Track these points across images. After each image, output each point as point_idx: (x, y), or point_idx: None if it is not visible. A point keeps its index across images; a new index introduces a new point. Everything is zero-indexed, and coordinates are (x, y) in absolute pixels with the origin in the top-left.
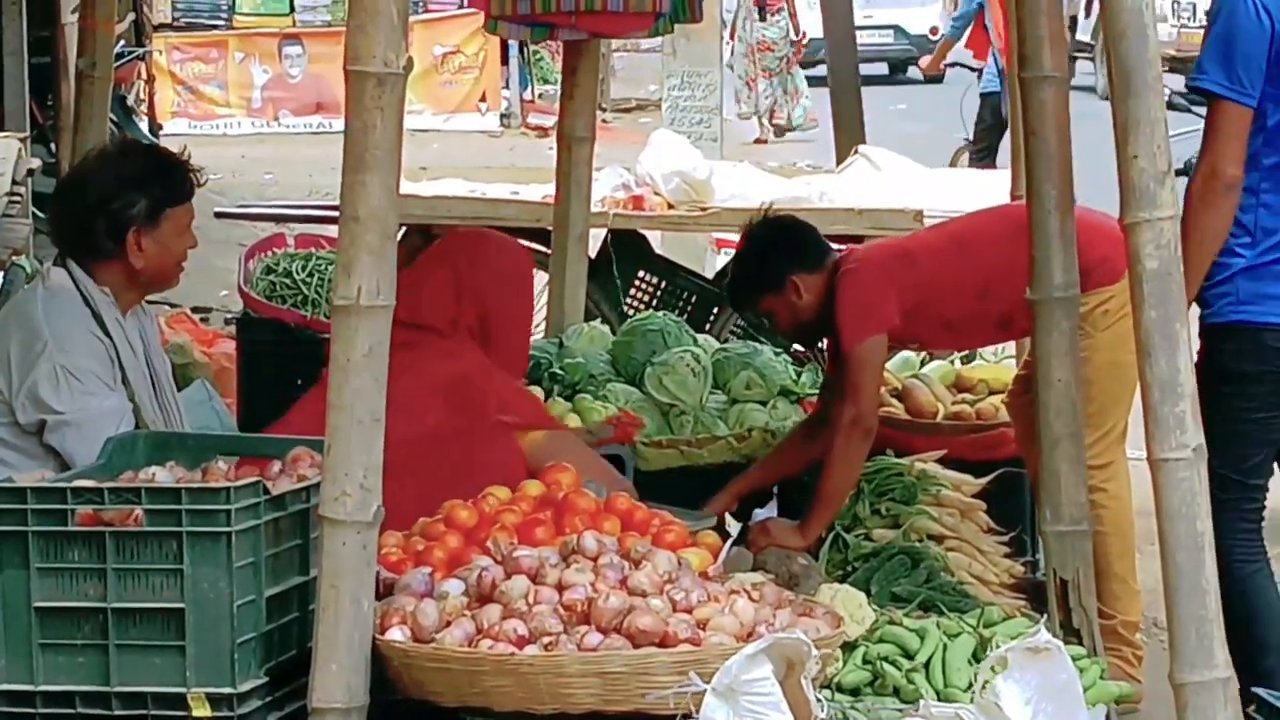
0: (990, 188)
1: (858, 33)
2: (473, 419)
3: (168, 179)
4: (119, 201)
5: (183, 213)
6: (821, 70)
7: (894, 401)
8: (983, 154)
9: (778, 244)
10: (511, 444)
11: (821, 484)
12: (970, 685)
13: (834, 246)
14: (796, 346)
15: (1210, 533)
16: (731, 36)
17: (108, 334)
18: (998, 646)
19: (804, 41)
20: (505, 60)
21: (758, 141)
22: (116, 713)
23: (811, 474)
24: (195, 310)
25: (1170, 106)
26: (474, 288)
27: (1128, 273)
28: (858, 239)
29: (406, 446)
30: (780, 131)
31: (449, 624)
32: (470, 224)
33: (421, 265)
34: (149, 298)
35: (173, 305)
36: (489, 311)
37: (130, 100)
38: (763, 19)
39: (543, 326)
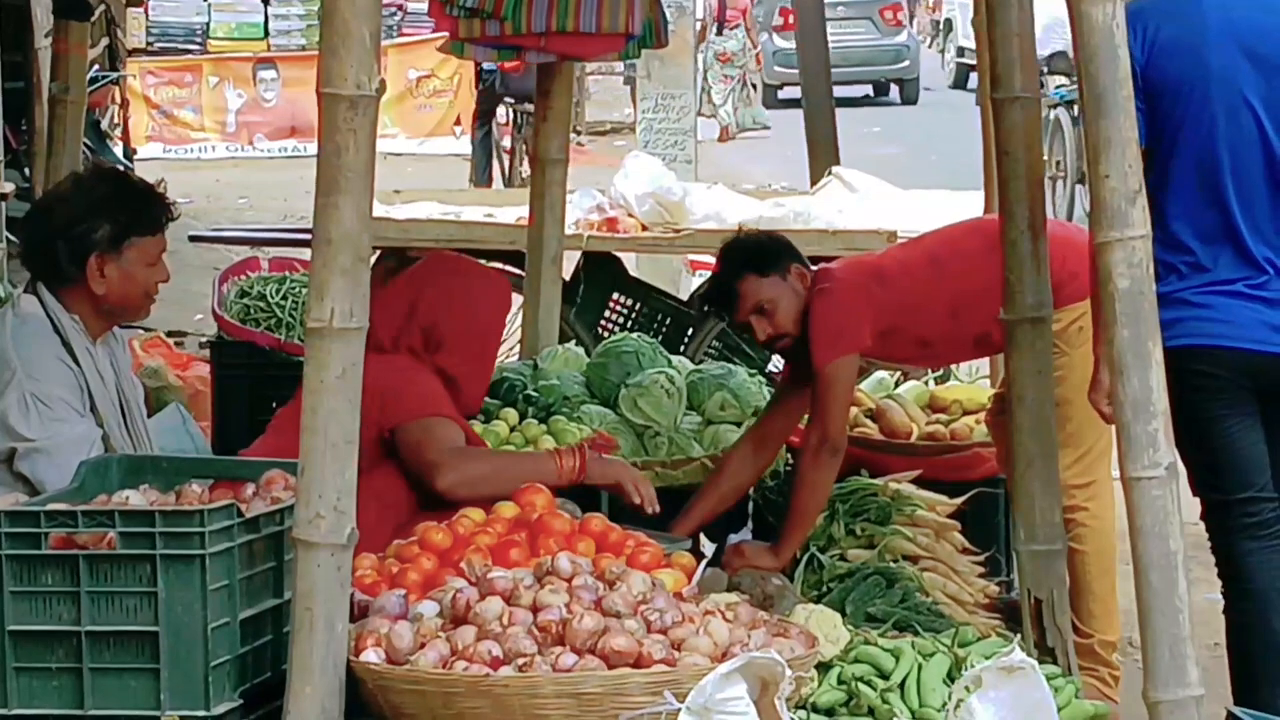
0: (964, 208)
1: None
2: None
3: (136, 208)
4: (82, 226)
5: (150, 244)
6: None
7: (868, 422)
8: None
9: (772, 239)
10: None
11: (792, 505)
12: (945, 705)
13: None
14: (772, 367)
15: (1182, 551)
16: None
17: (77, 361)
18: (973, 666)
19: (759, 53)
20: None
21: (720, 140)
22: None
23: (785, 495)
24: (170, 334)
25: None
26: (428, 306)
27: (1100, 292)
28: (831, 260)
29: None
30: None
31: (423, 646)
32: (444, 246)
33: (391, 284)
34: (126, 325)
35: (147, 329)
36: (437, 328)
37: (104, 125)
38: (720, 33)
39: (517, 349)
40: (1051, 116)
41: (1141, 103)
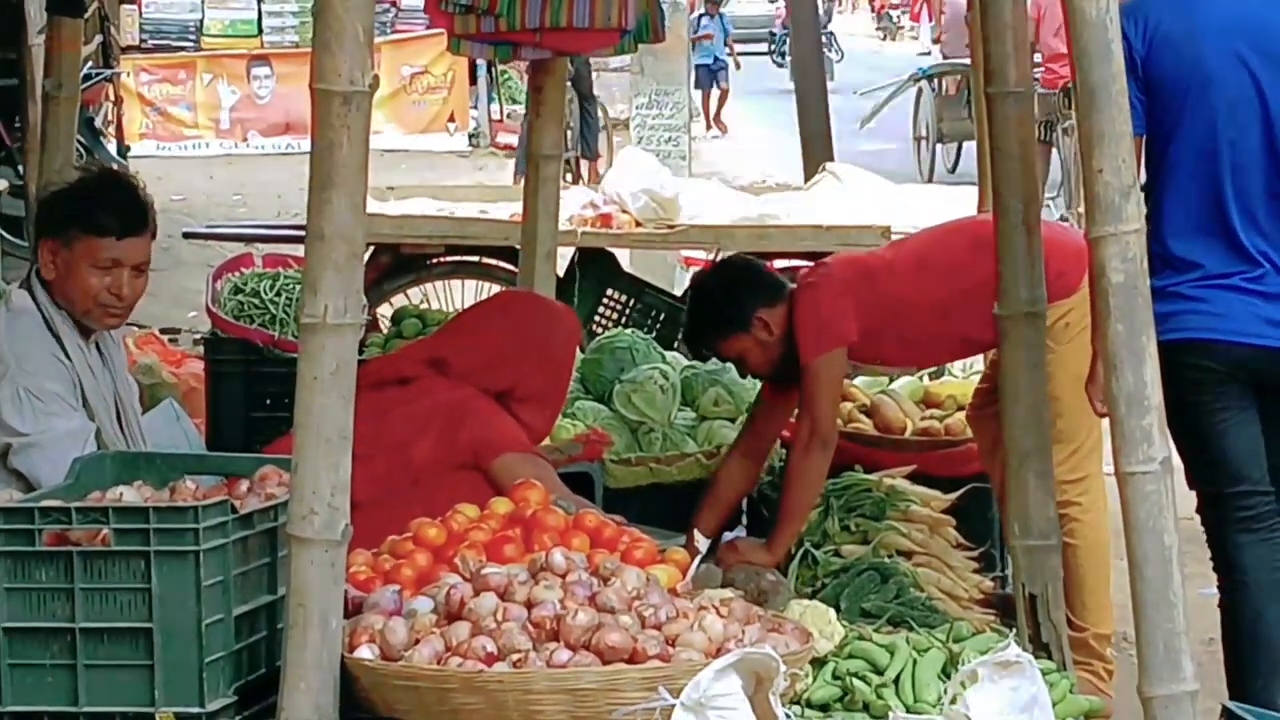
0: (958, 204)
1: None
2: (449, 450)
3: (92, 203)
4: (45, 207)
5: (98, 246)
6: None
7: (862, 417)
8: None
9: (735, 285)
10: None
11: (784, 500)
12: (939, 700)
13: (800, 264)
14: None
15: (1177, 545)
16: None
17: (69, 356)
18: (967, 661)
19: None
20: (474, 80)
21: None
22: None
23: (779, 490)
24: (164, 331)
25: None
26: (515, 364)
27: (1094, 286)
28: (825, 256)
29: (390, 480)
30: None
31: (418, 642)
32: (438, 242)
33: (470, 316)
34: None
35: (141, 326)
36: (523, 378)
37: (98, 122)
38: None
39: None
40: (915, 88)
41: (1140, 94)
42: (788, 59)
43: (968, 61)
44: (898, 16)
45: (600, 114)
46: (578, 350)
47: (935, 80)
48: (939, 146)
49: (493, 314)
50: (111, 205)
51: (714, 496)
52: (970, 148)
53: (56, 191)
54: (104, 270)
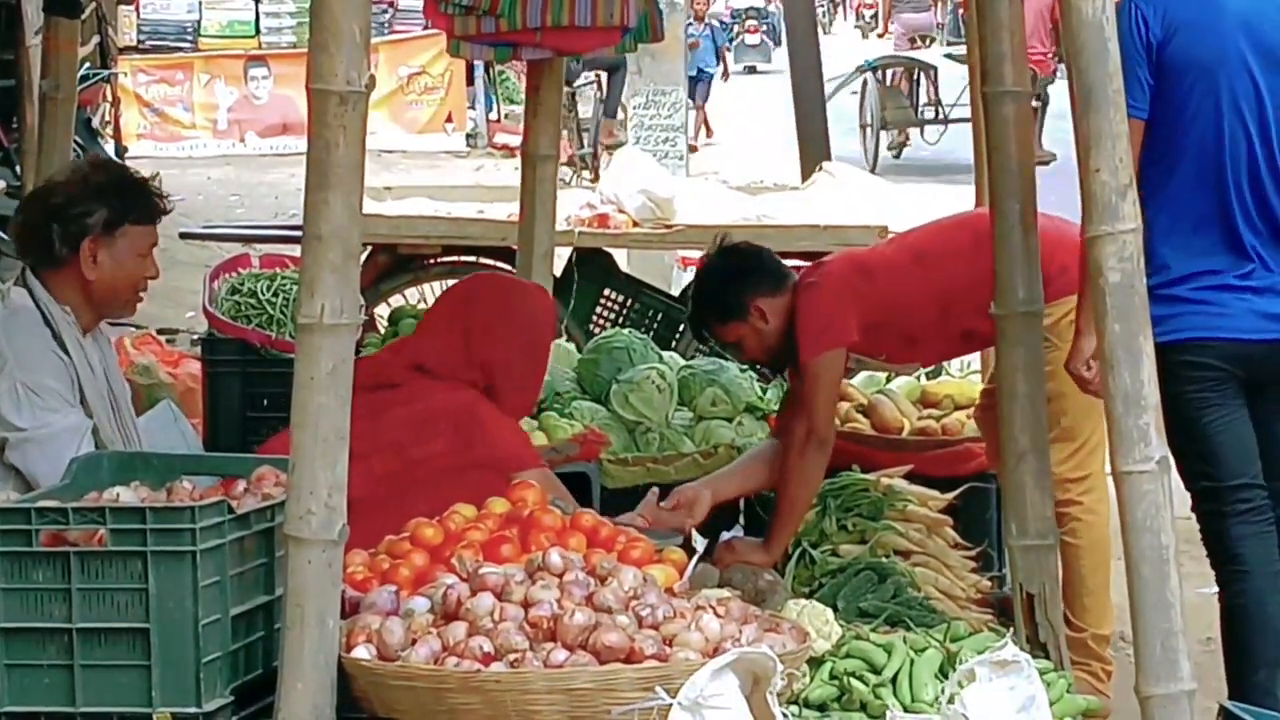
0: (955, 203)
1: None
2: (462, 451)
3: (131, 196)
4: (79, 209)
5: (142, 234)
6: None
7: (860, 417)
8: None
9: (737, 271)
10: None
11: (780, 500)
12: (937, 700)
13: (798, 263)
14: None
15: (1174, 545)
16: None
17: (67, 352)
18: (965, 661)
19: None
20: (471, 81)
21: None
22: None
23: (776, 491)
24: (161, 332)
25: None
26: (482, 342)
27: (1090, 286)
28: (823, 255)
29: (387, 480)
30: None
31: (415, 642)
32: (435, 243)
33: (436, 309)
34: (115, 320)
35: (138, 327)
36: (497, 360)
37: (96, 123)
38: None
39: None
40: (861, 79)
41: (1151, 78)
42: (733, 44)
43: (910, 55)
44: (871, 17)
45: (620, 113)
46: (556, 326)
47: (880, 71)
48: (882, 133)
49: (458, 304)
50: (146, 193)
51: (737, 481)
52: (914, 135)
53: (88, 193)
54: (144, 256)
